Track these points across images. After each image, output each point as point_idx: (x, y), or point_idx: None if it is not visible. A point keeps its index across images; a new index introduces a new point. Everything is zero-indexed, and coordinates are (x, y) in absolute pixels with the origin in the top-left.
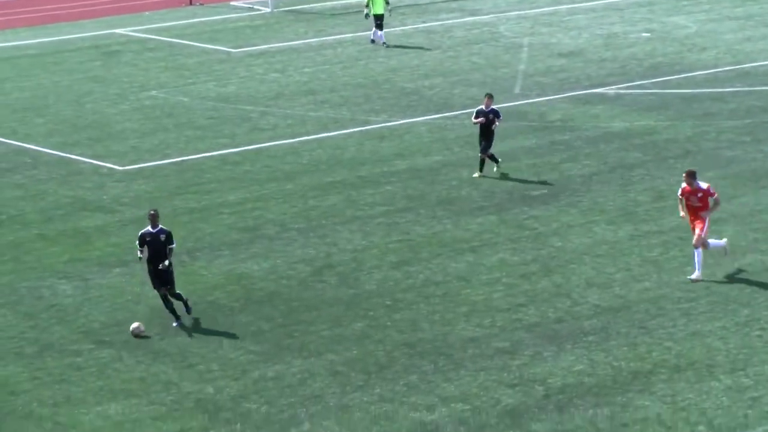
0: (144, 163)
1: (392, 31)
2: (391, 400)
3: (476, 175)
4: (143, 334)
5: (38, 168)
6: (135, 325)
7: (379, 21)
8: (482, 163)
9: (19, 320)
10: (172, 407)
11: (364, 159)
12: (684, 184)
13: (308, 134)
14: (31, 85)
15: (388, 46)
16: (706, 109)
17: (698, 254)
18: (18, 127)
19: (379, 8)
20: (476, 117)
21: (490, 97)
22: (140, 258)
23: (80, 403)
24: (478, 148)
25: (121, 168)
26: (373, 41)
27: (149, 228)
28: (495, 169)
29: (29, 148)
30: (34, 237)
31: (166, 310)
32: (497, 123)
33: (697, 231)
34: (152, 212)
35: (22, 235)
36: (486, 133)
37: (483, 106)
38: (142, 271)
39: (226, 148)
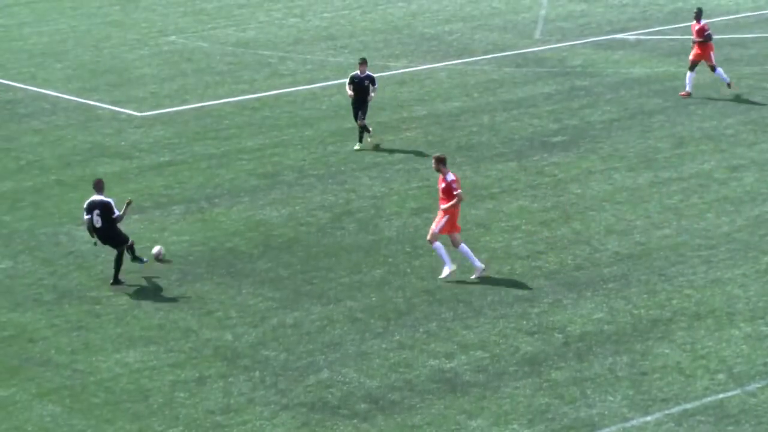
0: (163, 108)
1: None
2: (411, 347)
3: (357, 147)
4: (164, 259)
5: (57, 114)
6: (156, 249)
7: None
8: (361, 133)
9: (38, 266)
10: (190, 354)
11: (384, 104)
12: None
13: (327, 80)
14: (50, 30)
15: None
16: (726, 54)
17: (438, 249)
18: (37, 72)
19: None
20: (349, 84)
21: (363, 62)
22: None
23: (98, 351)
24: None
25: (139, 114)
26: None
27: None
28: (369, 139)
29: (48, 94)
30: (53, 183)
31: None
32: (372, 94)
33: (432, 226)
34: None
35: (40, 180)
36: (361, 102)
37: (357, 72)
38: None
39: (245, 93)
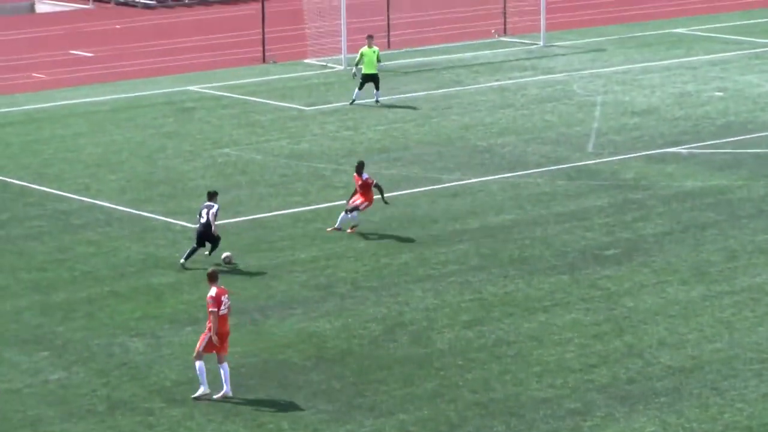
0: (217, 220)
1: (466, 89)
2: None
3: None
4: (232, 261)
5: (111, 224)
6: (226, 254)
7: (369, 81)
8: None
9: (92, 377)
10: None
11: (437, 217)
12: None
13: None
14: (105, 141)
15: (380, 105)
16: None
17: (199, 367)
18: (91, 183)
19: (371, 68)
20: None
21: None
22: None
23: None
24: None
25: (193, 225)
26: (353, 102)
27: None
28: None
29: (102, 205)
30: (107, 294)
31: None
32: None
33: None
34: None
35: (94, 291)
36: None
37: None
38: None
39: (299, 206)
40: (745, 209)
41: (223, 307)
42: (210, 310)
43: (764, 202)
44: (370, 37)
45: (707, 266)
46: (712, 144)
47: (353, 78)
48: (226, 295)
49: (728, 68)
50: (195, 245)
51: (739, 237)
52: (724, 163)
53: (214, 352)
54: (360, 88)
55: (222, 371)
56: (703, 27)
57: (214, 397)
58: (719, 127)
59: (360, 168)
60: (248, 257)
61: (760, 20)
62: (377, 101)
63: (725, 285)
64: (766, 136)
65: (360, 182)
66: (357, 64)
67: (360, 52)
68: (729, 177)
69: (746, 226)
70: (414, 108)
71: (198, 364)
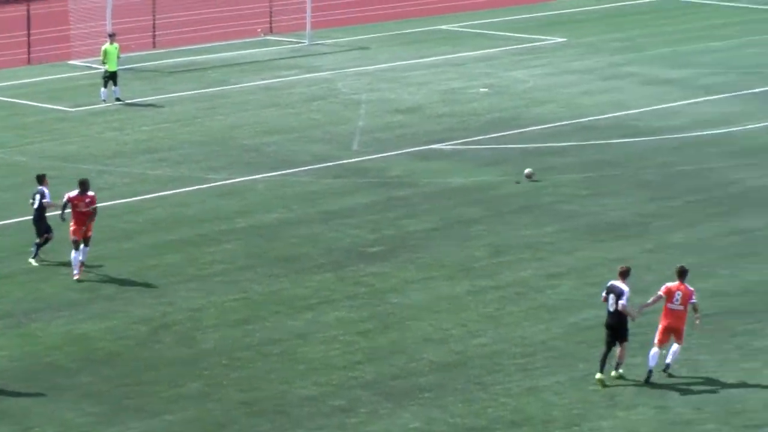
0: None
1: (232, 88)
2: None
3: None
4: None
5: None
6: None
7: (111, 78)
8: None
9: None
10: None
11: (204, 217)
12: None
13: (147, 193)
14: None
15: (123, 103)
16: (544, 163)
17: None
18: None
19: (113, 65)
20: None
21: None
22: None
23: None
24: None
25: None
26: (104, 101)
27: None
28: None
29: None
30: None
31: None
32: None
33: None
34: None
35: None
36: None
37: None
38: None
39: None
40: (511, 205)
41: None
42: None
43: (529, 197)
44: (111, 35)
45: (472, 262)
46: (477, 140)
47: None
48: None
49: (495, 64)
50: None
51: (505, 232)
52: (490, 159)
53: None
54: (105, 86)
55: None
56: (469, 23)
57: None
58: (485, 123)
59: (84, 186)
60: (14, 260)
61: (526, 15)
62: (118, 99)
63: (490, 280)
64: (531, 131)
65: (83, 203)
66: (103, 63)
67: (103, 50)
68: (494, 173)
69: (511, 221)
70: (181, 108)
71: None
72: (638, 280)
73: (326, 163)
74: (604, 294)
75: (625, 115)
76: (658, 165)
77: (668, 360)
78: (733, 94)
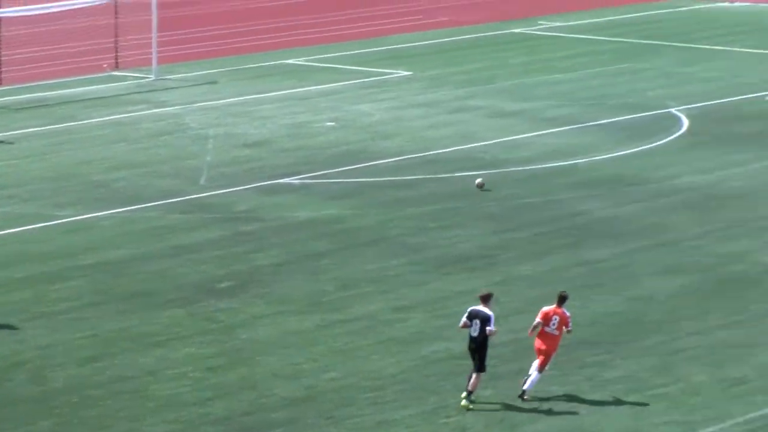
0: None
1: (80, 124)
2: None
3: None
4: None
5: None
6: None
7: None
8: None
9: None
10: None
11: (53, 253)
12: None
13: None
14: None
15: None
16: (391, 196)
17: None
18: None
19: None
20: None
21: None
22: None
23: None
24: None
25: None
26: None
27: None
28: None
29: None
30: None
31: None
32: None
33: None
34: None
35: None
36: None
37: None
38: None
39: None
40: (358, 238)
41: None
42: None
43: (377, 231)
44: None
45: (321, 296)
46: (325, 174)
47: None
48: None
49: (341, 98)
50: None
51: (353, 266)
52: (338, 193)
53: None
54: None
55: None
56: (315, 57)
57: None
58: (332, 157)
59: None
60: None
61: (371, 49)
62: None
63: (339, 314)
64: (378, 165)
65: None
66: None
67: None
68: (342, 206)
69: (359, 255)
70: (29, 144)
71: None
72: None
73: (174, 198)
74: (464, 319)
75: (471, 147)
76: (504, 197)
77: (526, 386)
78: (578, 125)
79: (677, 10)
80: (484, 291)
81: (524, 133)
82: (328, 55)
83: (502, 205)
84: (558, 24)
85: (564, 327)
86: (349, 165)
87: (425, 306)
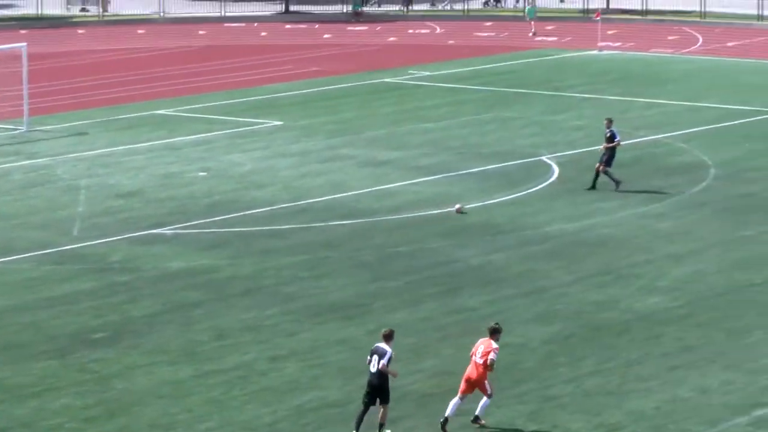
0: None
1: None
2: None
3: None
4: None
5: None
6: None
7: None
8: None
9: None
10: None
11: None
12: None
13: None
14: None
15: None
16: (265, 246)
17: None
18: None
19: None
20: None
21: None
22: None
23: None
24: None
25: None
26: None
27: None
28: None
29: None
30: None
31: None
32: None
33: None
34: None
35: None
36: None
37: None
38: None
39: None
40: (233, 288)
41: None
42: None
43: (251, 280)
44: None
45: (196, 346)
46: (198, 224)
47: None
48: None
49: (212, 148)
50: None
51: (228, 315)
52: (211, 243)
53: None
54: None
55: None
56: (185, 108)
57: None
58: (204, 207)
59: None
60: None
61: (241, 99)
62: None
63: (214, 364)
64: (251, 214)
65: None
66: None
67: None
68: (215, 256)
69: (234, 304)
70: None
71: None
72: (360, 361)
73: (47, 249)
74: (368, 357)
75: (343, 196)
76: (377, 246)
77: (477, 411)
78: (450, 174)
79: (545, 59)
80: (386, 330)
81: (396, 181)
82: (199, 105)
83: (375, 254)
84: (427, 73)
85: (487, 357)
86: (222, 215)
87: (300, 355)
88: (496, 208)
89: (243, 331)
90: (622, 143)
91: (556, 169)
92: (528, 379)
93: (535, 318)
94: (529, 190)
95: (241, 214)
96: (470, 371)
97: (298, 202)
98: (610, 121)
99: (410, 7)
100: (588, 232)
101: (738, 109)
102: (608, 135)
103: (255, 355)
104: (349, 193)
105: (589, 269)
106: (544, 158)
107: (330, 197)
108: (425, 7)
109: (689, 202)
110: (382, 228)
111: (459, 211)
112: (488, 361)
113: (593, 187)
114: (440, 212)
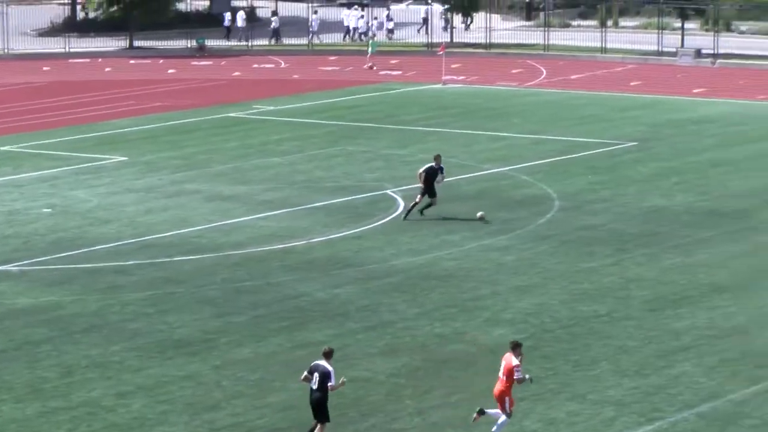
0: None
1: None
2: None
3: None
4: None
5: None
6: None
7: None
8: None
9: None
10: None
11: None
12: None
13: None
14: None
15: None
16: (110, 282)
17: None
18: None
19: None
20: None
21: None
22: None
23: None
24: None
25: None
26: None
27: None
28: None
29: None
30: None
31: None
32: None
33: None
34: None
35: None
36: None
37: None
38: None
39: None
40: (79, 324)
41: None
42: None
43: (97, 317)
44: None
45: (42, 383)
46: (43, 261)
47: None
48: None
49: (57, 184)
50: None
51: (74, 352)
52: (56, 280)
53: None
54: None
55: None
56: (29, 144)
57: None
58: (49, 243)
59: None
60: None
61: (85, 135)
62: None
63: (61, 401)
64: (96, 250)
65: None
66: None
67: None
68: (61, 293)
69: (80, 341)
70: None
71: None
72: (207, 397)
73: None
74: (306, 373)
75: (188, 232)
76: (223, 281)
77: (494, 430)
78: (295, 208)
79: (390, 92)
80: (327, 348)
81: (241, 216)
82: (44, 141)
83: (220, 289)
84: (272, 108)
85: (509, 374)
86: (67, 251)
87: (146, 391)
88: (342, 242)
89: (89, 368)
90: (446, 180)
91: (402, 203)
92: (374, 413)
93: (380, 351)
94: (374, 224)
95: (87, 250)
96: (495, 387)
97: (143, 238)
98: (438, 157)
99: (280, 40)
100: (433, 266)
101: (582, 141)
102: (430, 171)
103: (102, 392)
104: (194, 228)
105: (434, 302)
106: (389, 191)
107: (175, 232)
108: (266, 42)
109: (534, 234)
110: (228, 263)
111: (482, 219)
112: (516, 381)
113: (421, 213)
114: (285, 246)
